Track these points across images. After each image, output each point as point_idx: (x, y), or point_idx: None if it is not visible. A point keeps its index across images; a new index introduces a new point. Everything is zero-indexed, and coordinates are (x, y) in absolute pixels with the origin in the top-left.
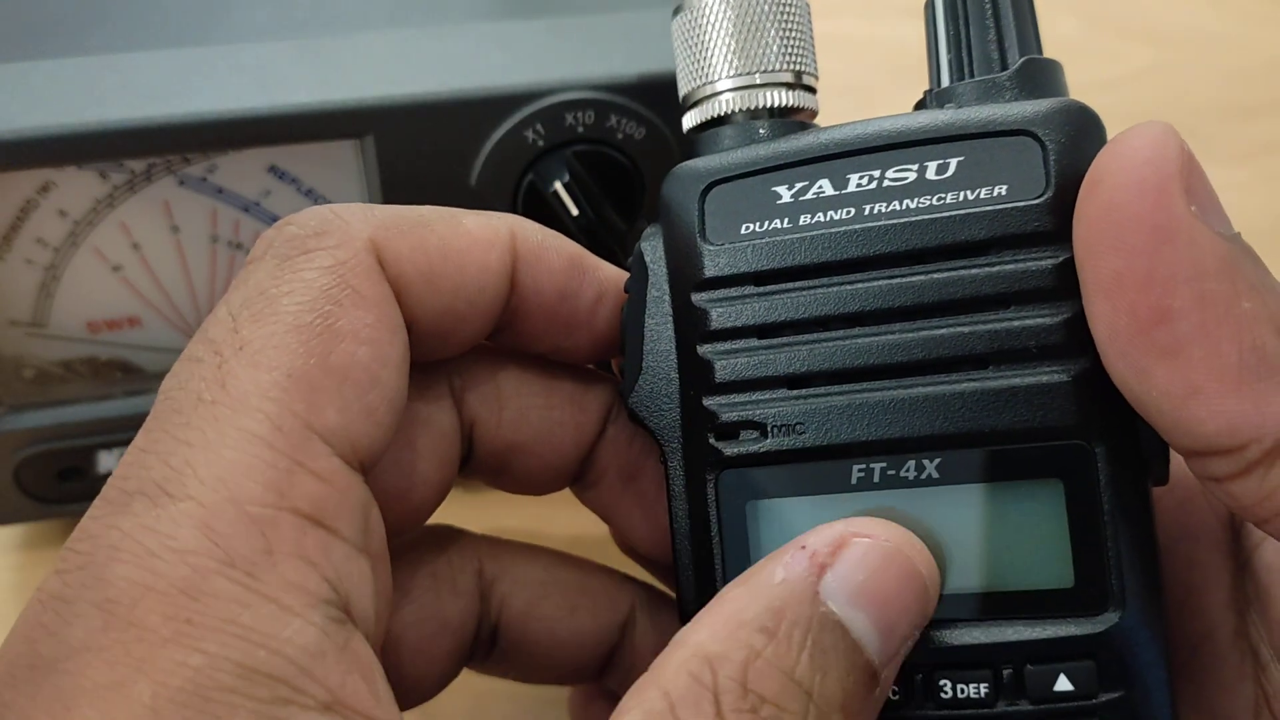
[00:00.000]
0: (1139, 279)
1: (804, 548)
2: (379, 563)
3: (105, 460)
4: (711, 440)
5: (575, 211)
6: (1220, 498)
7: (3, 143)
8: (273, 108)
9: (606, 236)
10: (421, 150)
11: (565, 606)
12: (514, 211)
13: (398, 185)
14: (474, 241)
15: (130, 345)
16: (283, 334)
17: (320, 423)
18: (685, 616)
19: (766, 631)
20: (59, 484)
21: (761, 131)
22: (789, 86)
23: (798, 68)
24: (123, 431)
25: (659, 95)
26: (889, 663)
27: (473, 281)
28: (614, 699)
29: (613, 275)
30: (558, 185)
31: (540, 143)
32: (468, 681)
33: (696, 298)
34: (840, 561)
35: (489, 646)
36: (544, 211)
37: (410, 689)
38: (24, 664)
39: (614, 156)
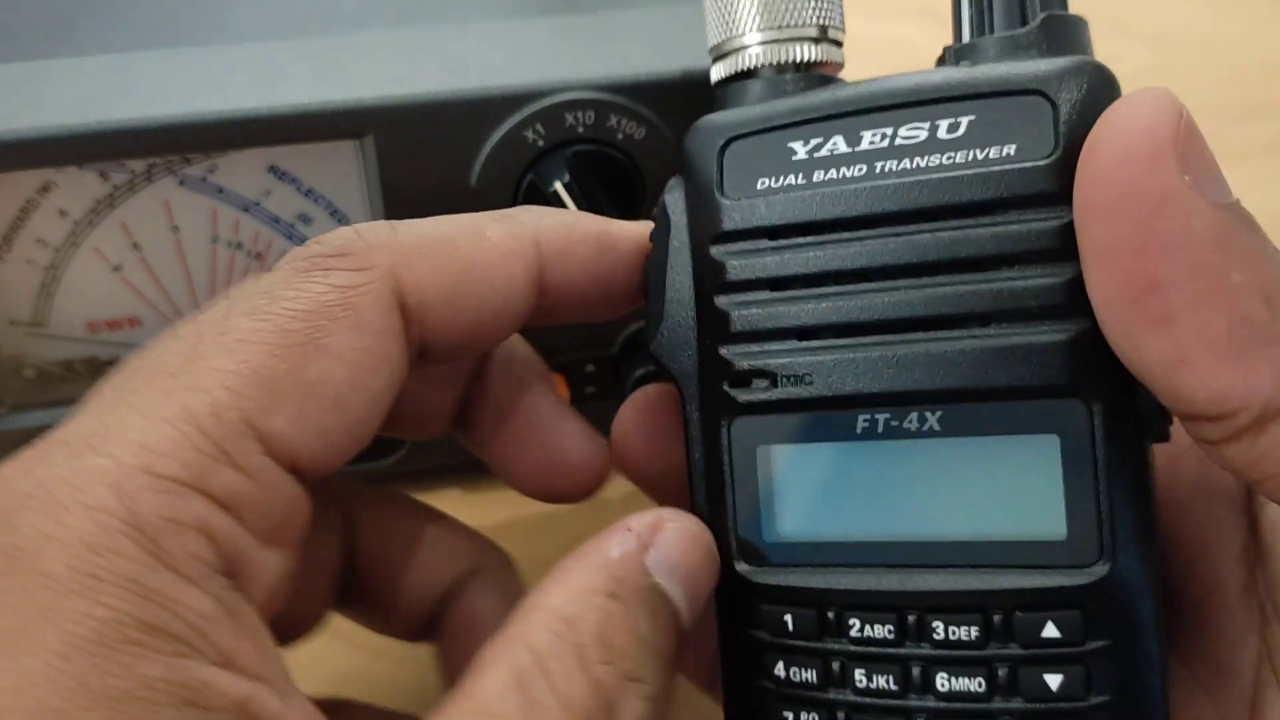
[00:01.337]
0: (1131, 249)
1: (630, 529)
2: (290, 550)
3: None
4: (726, 388)
5: None
6: (1214, 460)
7: (3, 143)
8: (273, 108)
9: None
10: (421, 150)
11: (405, 556)
12: None
13: (398, 185)
14: (499, 256)
15: (131, 345)
16: (268, 332)
17: (264, 425)
18: None
19: (614, 596)
20: None
21: (787, 86)
22: (815, 41)
23: (824, 22)
24: None
25: (659, 95)
26: (693, 622)
27: (498, 295)
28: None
29: (643, 234)
30: (558, 185)
31: (540, 143)
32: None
33: (714, 250)
34: (659, 542)
35: (348, 590)
36: None
37: (286, 628)
38: None
39: (614, 156)
